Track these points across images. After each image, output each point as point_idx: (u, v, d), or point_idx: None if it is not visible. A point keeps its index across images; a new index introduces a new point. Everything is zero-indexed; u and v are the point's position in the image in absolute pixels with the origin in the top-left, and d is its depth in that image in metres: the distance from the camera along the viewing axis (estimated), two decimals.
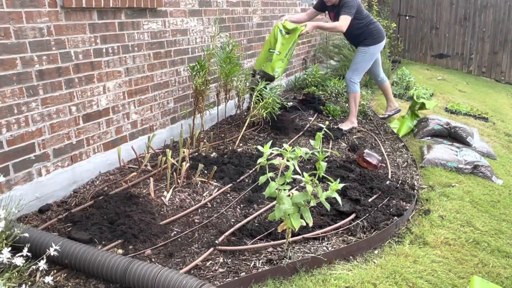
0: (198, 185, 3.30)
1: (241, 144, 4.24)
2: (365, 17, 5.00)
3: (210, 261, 2.45)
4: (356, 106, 5.10)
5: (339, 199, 2.41)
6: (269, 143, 2.45)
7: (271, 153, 2.36)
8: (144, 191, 3.17)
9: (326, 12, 5.18)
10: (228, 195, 3.24)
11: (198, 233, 2.73)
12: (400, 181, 3.69)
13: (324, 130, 2.50)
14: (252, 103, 4.39)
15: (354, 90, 5.05)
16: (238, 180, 3.44)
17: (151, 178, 3.19)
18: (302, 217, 2.38)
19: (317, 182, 2.39)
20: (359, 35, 4.98)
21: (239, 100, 4.57)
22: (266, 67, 4.64)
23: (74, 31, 3.02)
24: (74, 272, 2.28)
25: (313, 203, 2.36)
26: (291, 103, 5.54)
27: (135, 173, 3.35)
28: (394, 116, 5.71)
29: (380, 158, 4.10)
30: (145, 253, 2.47)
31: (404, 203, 3.29)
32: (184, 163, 3.29)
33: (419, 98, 5.36)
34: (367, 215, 3.02)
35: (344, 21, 4.67)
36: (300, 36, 4.65)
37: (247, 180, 3.48)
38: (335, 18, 4.90)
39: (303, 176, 2.34)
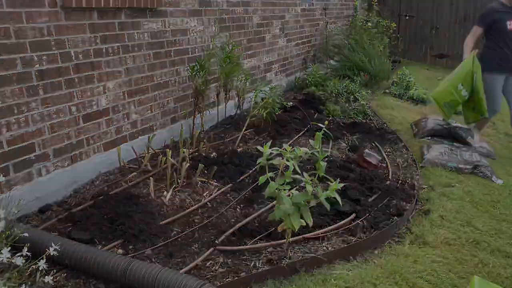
0: (198, 185, 3.30)
1: (241, 144, 4.24)
2: None
3: (210, 261, 2.45)
4: None
5: (339, 199, 2.41)
6: (269, 143, 2.45)
7: (271, 153, 2.36)
8: (144, 191, 3.16)
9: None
10: (228, 195, 3.24)
11: (198, 233, 2.73)
12: (400, 181, 3.69)
13: (324, 130, 2.50)
14: (252, 102, 4.39)
15: None
16: (238, 180, 3.44)
17: (151, 178, 3.19)
18: (302, 217, 2.38)
19: (317, 182, 2.39)
20: None
21: (239, 100, 4.57)
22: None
23: (74, 31, 3.02)
24: (74, 272, 2.28)
25: (313, 203, 2.36)
26: (291, 103, 5.53)
27: (135, 173, 3.35)
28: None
29: (380, 158, 4.11)
30: (145, 253, 2.47)
31: (404, 203, 3.29)
32: (184, 163, 3.29)
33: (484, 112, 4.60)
34: (367, 215, 3.02)
35: None
36: None
37: (247, 180, 3.48)
38: None
39: (303, 176, 2.34)
